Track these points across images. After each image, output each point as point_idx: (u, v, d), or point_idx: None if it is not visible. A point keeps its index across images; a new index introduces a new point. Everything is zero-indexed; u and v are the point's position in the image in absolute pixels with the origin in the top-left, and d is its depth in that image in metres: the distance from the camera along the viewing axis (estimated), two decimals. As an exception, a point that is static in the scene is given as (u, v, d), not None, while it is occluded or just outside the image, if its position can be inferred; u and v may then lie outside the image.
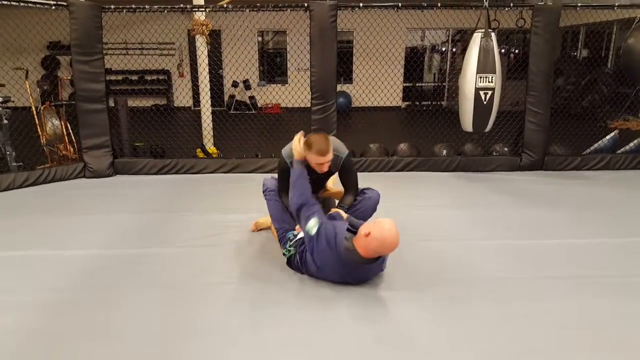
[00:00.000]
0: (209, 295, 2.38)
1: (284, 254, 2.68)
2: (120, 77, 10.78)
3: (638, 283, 2.49)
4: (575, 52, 10.30)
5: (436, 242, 3.05)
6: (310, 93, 4.79)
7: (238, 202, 3.92)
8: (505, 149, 5.28)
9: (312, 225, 2.37)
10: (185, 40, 10.66)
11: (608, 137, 5.34)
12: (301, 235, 2.57)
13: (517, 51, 11.23)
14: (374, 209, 2.93)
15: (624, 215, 3.56)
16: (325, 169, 2.68)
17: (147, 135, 5.84)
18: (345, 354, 1.89)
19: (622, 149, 5.26)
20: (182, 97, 11.06)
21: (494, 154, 5.23)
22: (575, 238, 3.11)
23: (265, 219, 3.15)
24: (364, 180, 3.39)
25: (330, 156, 2.62)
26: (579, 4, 4.98)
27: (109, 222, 3.42)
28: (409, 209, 3.71)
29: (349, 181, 2.90)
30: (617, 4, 4.90)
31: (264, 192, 2.93)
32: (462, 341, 1.98)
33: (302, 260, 2.51)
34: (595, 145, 5.33)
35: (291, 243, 2.61)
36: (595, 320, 2.14)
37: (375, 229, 2.21)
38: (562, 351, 1.91)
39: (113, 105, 5.14)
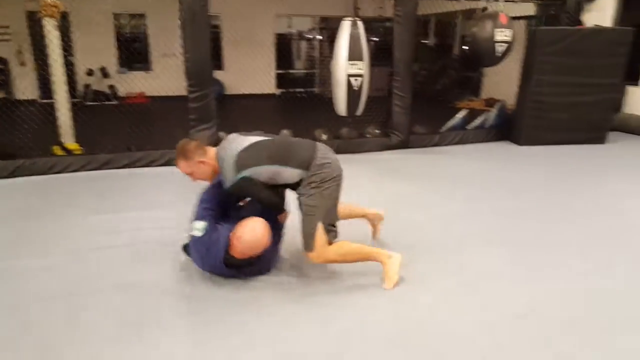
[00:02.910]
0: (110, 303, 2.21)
1: (192, 234, 2.37)
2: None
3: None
4: (427, 39, 11.35)
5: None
6: (179, 80, 4.56)
7: (115, 199, 3.64)
8: (377, 130, 5.67)
9: (200, 227, 2.31)
10: (24, 24, 9.28)
11: (459, 115, 6.07)
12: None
13: (377, 39, 11.97)
14: None
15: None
16: (192, 179, 2.39)
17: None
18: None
19: (470, 125, 6.03)
20: (25, 88, 9.63)
21: (367, 135, 5.58)
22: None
23: None
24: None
25: (181, 168, 2.33)
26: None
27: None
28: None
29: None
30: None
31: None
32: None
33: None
34: (448, 123, 6.02)
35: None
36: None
37: (243, 231, 2.24)
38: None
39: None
